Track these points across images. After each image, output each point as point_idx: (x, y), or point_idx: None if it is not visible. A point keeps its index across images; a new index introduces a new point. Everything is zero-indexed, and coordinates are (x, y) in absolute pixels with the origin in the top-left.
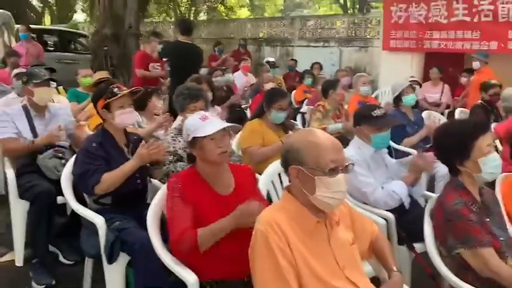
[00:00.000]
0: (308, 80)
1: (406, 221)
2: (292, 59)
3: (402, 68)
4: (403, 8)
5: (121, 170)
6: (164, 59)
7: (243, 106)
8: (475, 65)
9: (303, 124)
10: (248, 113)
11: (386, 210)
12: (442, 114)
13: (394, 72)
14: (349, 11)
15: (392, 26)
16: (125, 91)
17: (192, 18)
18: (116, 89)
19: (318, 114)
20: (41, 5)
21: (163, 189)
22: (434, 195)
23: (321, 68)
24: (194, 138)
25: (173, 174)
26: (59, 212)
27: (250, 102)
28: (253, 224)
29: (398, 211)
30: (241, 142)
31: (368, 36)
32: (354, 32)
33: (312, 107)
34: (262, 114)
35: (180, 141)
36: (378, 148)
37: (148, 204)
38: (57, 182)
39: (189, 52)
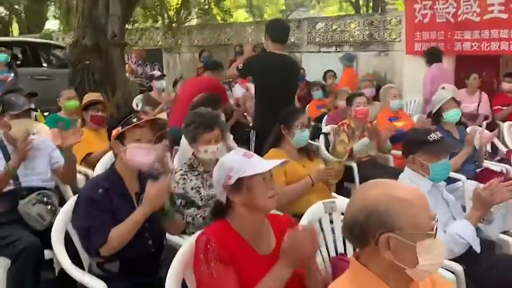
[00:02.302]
0: (317, 93)
1: (478, 272)
2: (301, 68)
3: None
4: (428, 6)
5: (130, 221)
6: (244, 78)
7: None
8: None
9: (327, 147)
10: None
11: (452, 260)
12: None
13: (419, 80)
14: (362, 11)
15: (416, 26)
16: (145, 118)
17: (182, 23)
18: (135, 119)
19: (343, 135)
20: (7, 12)
21: (185, 246)
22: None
23: (335, 76)
24: (239, 179)
25: (200, 232)
26: (46, 266)
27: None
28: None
29: (467, 259)
30: None
31: (388, 39)
32: (370, 34)
33: (335, 126)
34: (279, 141)
35: (191, 180)
36: (437, 180)
37: (165, 270)
38: (43, 232)
39: (285, 68)
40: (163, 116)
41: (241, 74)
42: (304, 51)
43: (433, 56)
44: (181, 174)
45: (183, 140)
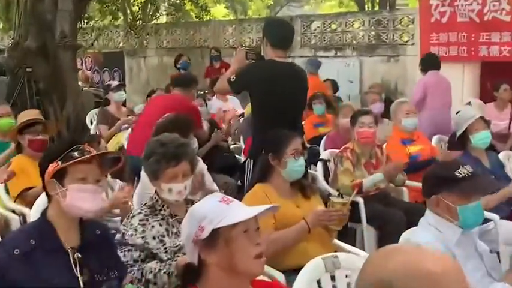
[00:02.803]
0: (319, 109)
1: None
2: None
3: (450, 82)
4: (447, 2)
5: None
6: (238, 93)
7: (232, 146)
8: None
9: (326, 177)
10: (242, 158)
11: None
12: None
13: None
14: (367, 7)
15: (433, 26)
16: (94, 153)
17: (148, 21)
18: (77, 152)
19: (347, 163)
20: None
21: None
22: None
23: (334, 86)
24: (215, 231)
25: None
26: None
27: (242, 142)
28: None
29: None
30: None
31: (398, 42)
32: (377, 35)
33: (336, 150)
34: (266, 174)
35: (153, 227)
36: (468, 227)
37: None
38: None
39: (292, 80)
40: (123, 135)
41: (234, 88)
42: (297, 56)
43: (429, 63)
44: (141, 220)
45: (143, 174)
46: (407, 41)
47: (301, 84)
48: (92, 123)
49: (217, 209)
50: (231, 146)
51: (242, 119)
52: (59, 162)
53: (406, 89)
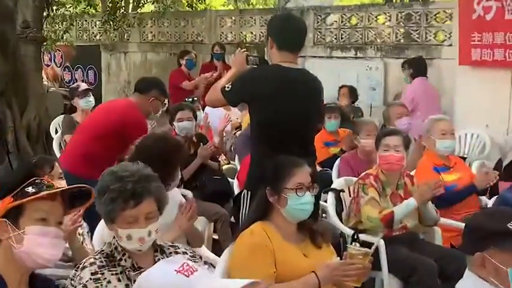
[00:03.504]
0: (333, 124)
1: None
2: None
3: (495, 94)
4: None
5: None
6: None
7: (225, 167)
8: None
9: (339, 212)
10: (235, 185)
11: None
12: None
13: (480, 102)
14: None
15: (475, 24)
16: (57, 189)
17: (131, 10)
18: (36, 186)
19: (371, 191)
20: None
21: None
22: None
23: (353, 94)
24: None
25: None
26: None
27: (237, 162)
28: None
29: None
30: (233, 273)
31: (432, 41)
32: (407, 33)
33: (352, 178)
34: (266, 211)
35: (109, 283)
36: None
37: None
38: None
39: (303, 90)
40: None
41: (229, 99)
42: (309, 56)
43: (416, 68)
44: (93, 273)
45: None
46: (443, 41)
47: (315, 97)
48: (57, 132)
49: (173, 284)
50: (224, 167)
51: (239, 132)
52: (11, 199)
53: (442, 99)
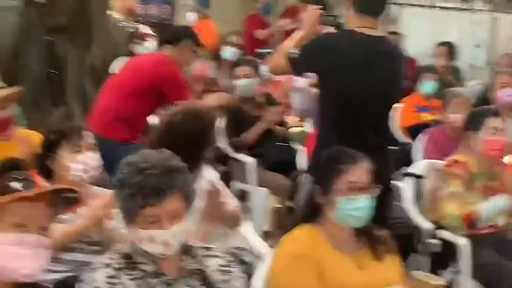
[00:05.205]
0: (428, 86)
1: None
2: (394, 32)
3: None
4: None
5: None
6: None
7: (294, 130)
8: None
9: (418, 197)
10: (301, 153)
11: None
12: None
13: None
14: None
15: None
16: (43, 189)
17: None
18: (17, 182)
19: (456, 183)
20: None
21: None
22: None
23: (452, 53)
24: None
25: None
26: None
27: (309, 126)
28: None
29: None
30: (273, 283)
31: None
32: None
33: (437, 162)
34: (314, 213)
35: None
36: None
37: None
38: None
39: (383, 61)
40: None
41: (294, 68)
42: (406, 4)
43: None
44: (109, 276)
45: None
46: None
47: (398, 73)
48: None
49: None
50: (293, 130)
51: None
52: None
53: None
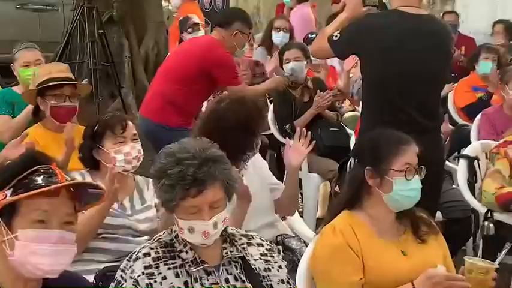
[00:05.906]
0: (486, 65)
1: None
2: (451, 12)
3: None
4: None
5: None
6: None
7: (347, 115)
8: None
9: (472, 181)
10: (353, 138)
11: None
12: None
13: None
14: None
15: None
16: (62, 183)
17: None
18: (40, 177)
19: (502, 163)
20: None
21: None
22: None
23: (510, 30)
24: None
25: None
26: None
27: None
28: None
29: None
30: (316, 276)
31: None
32: None
33: (492, 142)
34: (358, 198)
35: (164, 279)
36: None
37: None
38: None
39: (429, 42)
40: None
41: (336, 50)
42: None
43: None
44: (146, 266)
45: None
46: None
47: (444, 49)
48: None
49: None
50: (346, 115)
51: None
52: (8, 192)
53: None
